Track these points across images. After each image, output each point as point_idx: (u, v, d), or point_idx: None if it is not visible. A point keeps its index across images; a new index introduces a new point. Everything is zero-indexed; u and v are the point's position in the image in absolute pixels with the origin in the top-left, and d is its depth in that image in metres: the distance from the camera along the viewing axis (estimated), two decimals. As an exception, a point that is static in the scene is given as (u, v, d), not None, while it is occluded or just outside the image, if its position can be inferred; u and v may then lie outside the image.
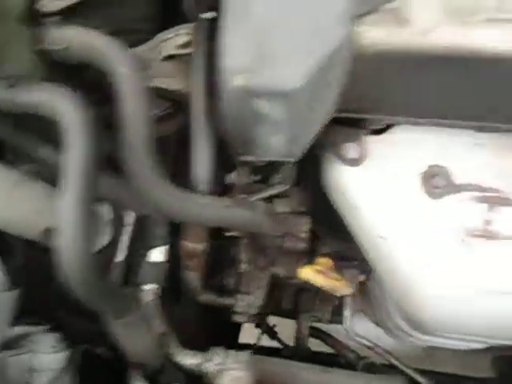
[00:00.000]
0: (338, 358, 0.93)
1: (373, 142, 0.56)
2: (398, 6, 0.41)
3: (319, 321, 0.90)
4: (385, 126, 0.53)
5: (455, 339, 0.61)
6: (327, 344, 0.96)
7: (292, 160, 0.48)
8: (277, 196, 0.64)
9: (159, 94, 0.55)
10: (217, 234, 0.59)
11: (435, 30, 0.40)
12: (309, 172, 0.61)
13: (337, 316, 0.85)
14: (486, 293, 0.53)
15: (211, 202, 0.44)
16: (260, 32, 0.39)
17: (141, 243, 0.58)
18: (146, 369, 0.46)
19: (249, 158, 0.49)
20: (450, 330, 0.57)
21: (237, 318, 0.58)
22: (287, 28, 0.39)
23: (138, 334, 0.44)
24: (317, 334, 0.95)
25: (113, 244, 0.63)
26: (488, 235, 0.53)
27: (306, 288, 0.87)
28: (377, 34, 0.41)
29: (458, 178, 0.55)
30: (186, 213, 0.44)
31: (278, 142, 0.44)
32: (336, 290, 0.47)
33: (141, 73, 0.44)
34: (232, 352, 0.47)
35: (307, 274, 0.47)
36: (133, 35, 0.58)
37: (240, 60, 0.40)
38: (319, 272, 0.48)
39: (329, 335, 0.94)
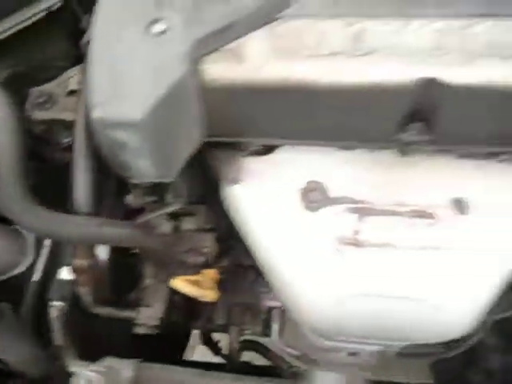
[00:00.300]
0: (275, 370, 0.96)
1: (256, 163, 0.62)
2: (236, 45, 0.47)
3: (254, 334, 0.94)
4: (261, 147, 0.60)
5: (352, 342, 0.65)
6: (264, 356, 1.00)
7: (166, 181, 0.53)
8: (185, 214, 0.70)
9: (65, 125, 0.62)
10: (122, 252, 0.64)
11: (265, 66, 0.46)
12: (212, 191, 0.67)
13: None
14: (358, 296, 0.57)
15: (84, 221, 0.50)
16: (115, 70, 0.46)
17: (55, 262, 0.64)
18: (30, 377, 0.51)
19: (133, 181, 0.55)
20: (335, 333, 0.62)
21: (138, 330, 0.62)
22: (136, 67, 0.46)
23: (10, 345, 0.49)
24: (253, 346, 0.99)
25: (33, 264, 0.68)
26: (357, 243, 0.58)
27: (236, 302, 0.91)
28: (217, 71, 0.47)
29: (333, 192, 0.60)
30: (58, 233, 0.49)
31: (145, 165, 0.50)
32: (201, 298, 0.52)
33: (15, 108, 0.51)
34: (115, 360, 0.51)
35: (176, 284, 0.52)
36: (50, 72, 0.65)
37: (98, 95, 0.46)
38: (191, 282, 0.52)
39: (265, 347, 0.98)
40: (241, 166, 0.61)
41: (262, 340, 0.99)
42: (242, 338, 0.94)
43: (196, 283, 0.54)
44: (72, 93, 0.62)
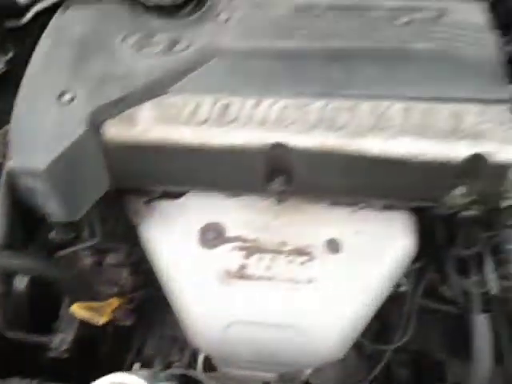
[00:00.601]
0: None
1: (164, 206, 0.72)
2: (130, 112, 0.59)
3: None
4: (162, 192, 0.70)
5: (244, 368, 0.73)
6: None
7: (74, 221, 0.63)
8: (106, 250, 0.79)
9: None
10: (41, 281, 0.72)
11: (151, 130, 0.58)
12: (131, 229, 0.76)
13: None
14: (240, 324, 0.66)
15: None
16: (29, 130, 0.57)
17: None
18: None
19: (48, 220, 0.64)
20: (225, 360, 0.69)
21: (51, 354, 0.69)
22: (47, 129, 0.57)
23: None
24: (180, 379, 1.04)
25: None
26: (242, 276, 0.67)
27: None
28: (115, 132, 0.59)
29: (228, 232, 0.70)
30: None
31: (53, 207, 0.60)
32: (92, 321, 0.60)
33: None
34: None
35: (73, 308, 0.61)
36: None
37: (14, 149, 0.57)
38: (89, 307, 0.61)
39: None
40: (149, 209, 0.72)
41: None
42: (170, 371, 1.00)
43: (94, 309, 0.62)
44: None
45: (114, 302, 0.65)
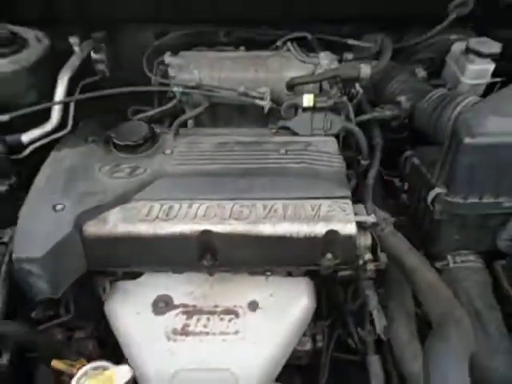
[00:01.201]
0: None
1: (126, 284, 0.96)
2: (104, 215, 0.86)
3: None
4: (124, 273, 0.95)
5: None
6: None
7: (56, 297, 0.85)
8: (77, 326, 0.98)
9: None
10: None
11: (118, 226, 0.85)
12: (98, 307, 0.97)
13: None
14: (185, 371, 0.86)
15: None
16: (31, 229, 0.82)
17: None
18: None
19: (35, 298, 0.86)
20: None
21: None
22: (44, 228, 0.82)
23: None
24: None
25: None
26: (185, 333, 0.89)
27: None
28: (92, 230, 0.85)
29: (175, 301, 0.94)
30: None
31: (42, 285, 0.82)
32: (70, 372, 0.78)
33: None
34: None
35: (54, 363, 0.79)
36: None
37: (17, 243, 0.81)
38: (64, 363, 0.80)
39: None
40: (114, 287, 0.95)
41: None
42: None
43: (69, 364, 0.80)
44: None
45: (82, 362, 0.83)
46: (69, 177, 0.92)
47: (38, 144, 1.08)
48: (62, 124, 1.12)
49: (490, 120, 0.88)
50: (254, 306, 0.94)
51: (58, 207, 0.86)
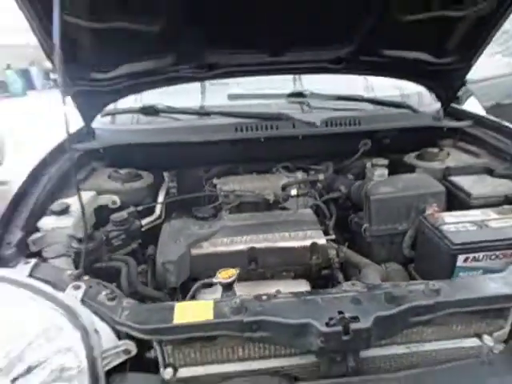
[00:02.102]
0: None
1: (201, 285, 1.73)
2: (199, 245, 1.72)
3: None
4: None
5: None
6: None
7: (176, 286, 1.63)
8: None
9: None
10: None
11: (208, 248, 1.70)
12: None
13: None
14: None
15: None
16: (163, 245, 1.67)
17: None
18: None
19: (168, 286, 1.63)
20: None
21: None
22: (170, 248, 1.66)
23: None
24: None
25: None
26: None
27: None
28: (196, 251, 1.69)
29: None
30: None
31: (172, 279, 1.61)
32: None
33: None
34: None
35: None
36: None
37: (158, 252, 1.64)
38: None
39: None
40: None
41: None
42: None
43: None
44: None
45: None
46: (174, 237, 1.79)
47: (150, 225, 1.98)
48: (160, 215, 2.04)
49: (381, 188, 1.86)
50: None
51: (177, 241, 1.71)
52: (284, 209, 2.05)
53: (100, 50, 1.78)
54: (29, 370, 1.13)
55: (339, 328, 1.09)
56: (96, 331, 1.17)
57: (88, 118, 2.22)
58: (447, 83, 2.28)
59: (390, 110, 2.39)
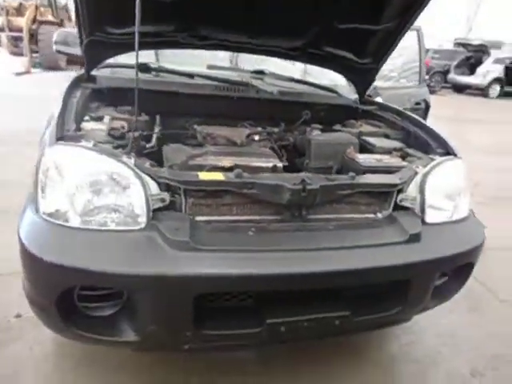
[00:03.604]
0: None
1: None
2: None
3: None
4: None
5: None
6: None
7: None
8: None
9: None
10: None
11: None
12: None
13: None
14: None
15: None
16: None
17: None
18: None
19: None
20: None
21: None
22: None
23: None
24: None
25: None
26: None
27: None
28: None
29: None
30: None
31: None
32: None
33: None
34: None
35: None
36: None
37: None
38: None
39: None
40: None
41: None
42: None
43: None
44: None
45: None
46: (177, 149, 2.42)
47: (148, 150, 2.56)
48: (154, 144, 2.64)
49: (319, 136, 2.72)
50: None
51: (178, 154, 2.34)
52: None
53: (119, 9, 2.35)
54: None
55: (300, 187, 1.87)
56: (146, 182, 1.80)
57: (91, 66, 2.76)
58: (363, 78, 3.26)
59: (325, 92, 3.30)
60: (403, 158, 2.62)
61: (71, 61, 15.87)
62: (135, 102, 1.89)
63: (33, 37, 15.01)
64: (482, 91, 18.78)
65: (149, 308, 1.63)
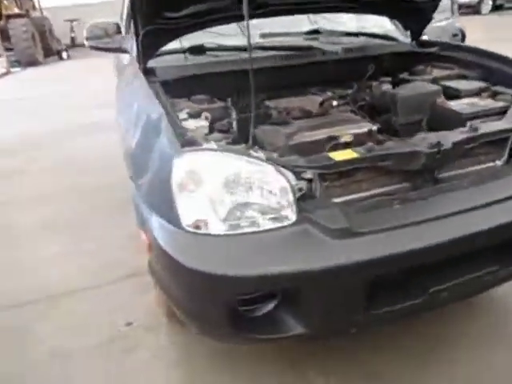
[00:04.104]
0: None
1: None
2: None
3: None
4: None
5: None
6: None
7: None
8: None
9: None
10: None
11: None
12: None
13: None
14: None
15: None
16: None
17: None
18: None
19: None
20: None
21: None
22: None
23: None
24: None
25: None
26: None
27: None
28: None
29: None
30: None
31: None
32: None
33: None
34: None
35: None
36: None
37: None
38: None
39: None
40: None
41: None
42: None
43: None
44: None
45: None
46: (271, 130, 2.31)
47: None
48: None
49: (402, 91, 2.60)
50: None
51: (276, 135, 2.23)
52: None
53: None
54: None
55: (435, 149, 1.79)
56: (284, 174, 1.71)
57: (147, 57, 2.57)
58: (420, 18, 3.08)
59: (382, 41, 3.13)
60: (492, 97, 2.51)
61: (49, 52, 15.13)
62: (251, 86, 1.75)
63: (3, 33, 14.21)
64: (473, 8, 18.20)
65: (318, 300, 1.60)
